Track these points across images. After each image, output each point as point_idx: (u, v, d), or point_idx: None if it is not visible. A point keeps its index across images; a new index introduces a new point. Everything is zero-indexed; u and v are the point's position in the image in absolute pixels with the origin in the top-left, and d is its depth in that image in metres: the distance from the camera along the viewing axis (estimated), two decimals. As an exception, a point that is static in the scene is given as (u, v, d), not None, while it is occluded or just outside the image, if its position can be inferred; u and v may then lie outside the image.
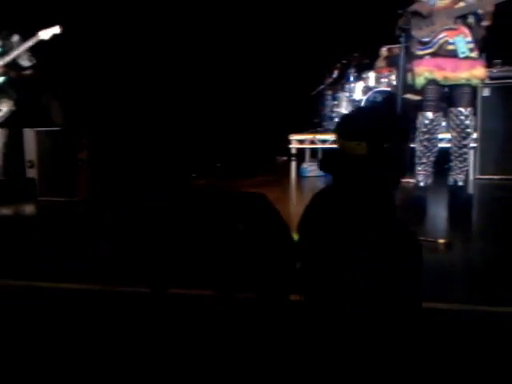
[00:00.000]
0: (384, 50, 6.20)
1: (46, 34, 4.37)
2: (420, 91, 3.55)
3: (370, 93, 6.12)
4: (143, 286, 2.38)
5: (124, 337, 2.03)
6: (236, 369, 1.77)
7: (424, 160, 3.56)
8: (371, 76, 6.23)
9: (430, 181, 3.68)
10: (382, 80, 6.19)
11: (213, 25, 6.65)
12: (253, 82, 6.61)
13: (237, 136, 6.65)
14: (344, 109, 6.35)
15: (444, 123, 3.75)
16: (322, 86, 6.52)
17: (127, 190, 4.61)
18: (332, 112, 6.42)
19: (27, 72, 4.51)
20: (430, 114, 3.44)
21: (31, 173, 5.01)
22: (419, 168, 3.62)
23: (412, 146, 3.68)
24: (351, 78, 6.35)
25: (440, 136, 3.67)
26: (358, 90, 6.27)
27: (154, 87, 6.52)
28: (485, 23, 3.44)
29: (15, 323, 2.17)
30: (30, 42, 4.36)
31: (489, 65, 5.40)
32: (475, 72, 3.41)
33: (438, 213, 3.94)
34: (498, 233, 3.39)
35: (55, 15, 4.89)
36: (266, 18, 6.52)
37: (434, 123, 3.46)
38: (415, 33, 3.43)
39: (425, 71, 3.42)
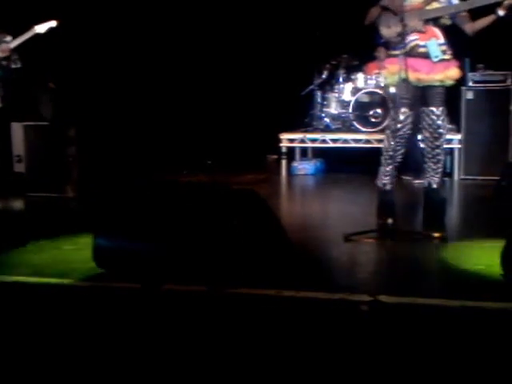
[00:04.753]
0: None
1: (41, 28, 4.36)
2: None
3: (358, 93, 6.20)
4: (136, 281, 2.40)
5: (118, 332, 2.04)
6: (231, 364, 1.79)
7: (390, 161, 3.44)
8: (360, 77, 6.31)
9: (393, 184, 3.54)
10: (370, 81, 6.27)
11: (205, 23, 6.66)
12: (244, 81, 6.64)
13: (228, 134, 6.66)
14: (333, 109, 6.42)
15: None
16: (312, 86, 6.58)
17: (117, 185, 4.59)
18: (321, 112, 6.49)
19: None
20: (403, 111, 3.34)
21: (19, 168, 4.96)
22: (387, 169, 3.48)
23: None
24: (340, 79, 6.43)
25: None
26: (347, 91, 6.36)
27: (146, 85, 6.50)
28: (468, 27, 3.38)
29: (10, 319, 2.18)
30: (27, 36, 4.34)
31: (472, 68, 5.53)
32: (449, 73, 3.36)
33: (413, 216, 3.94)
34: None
35: (44, 10, 4.87)
36: (257, 18, 6.56)
37: (408, 120, 3.37)
38: (383, 31, 3.34)
39: (398, 70, 3.30)
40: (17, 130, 5.01)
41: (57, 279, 2.60)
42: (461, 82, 5.39)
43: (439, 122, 3.35)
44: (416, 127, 3.53)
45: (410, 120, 3.38)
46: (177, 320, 2.13)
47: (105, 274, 2.57)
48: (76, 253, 3.05)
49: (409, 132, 3.44)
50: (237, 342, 1.94)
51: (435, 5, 3.32)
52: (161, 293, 2.37)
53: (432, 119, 3.35)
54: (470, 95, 5.54)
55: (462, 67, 3.48)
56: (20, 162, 4.98)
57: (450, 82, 3.39)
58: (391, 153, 3.42)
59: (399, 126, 3.37)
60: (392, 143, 3.41)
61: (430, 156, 3.43)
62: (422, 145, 3.66)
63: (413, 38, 3.31)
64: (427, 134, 3.40)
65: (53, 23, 4.39)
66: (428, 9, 3.29)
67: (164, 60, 6.61)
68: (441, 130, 3.37)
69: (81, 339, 1.99)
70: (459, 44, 3.53)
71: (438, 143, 3.38)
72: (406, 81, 3.29)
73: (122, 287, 2.45)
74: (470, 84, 5.55)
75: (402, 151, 3.46)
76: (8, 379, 1.74)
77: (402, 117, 3.35)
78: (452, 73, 3.38)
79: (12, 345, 1.97)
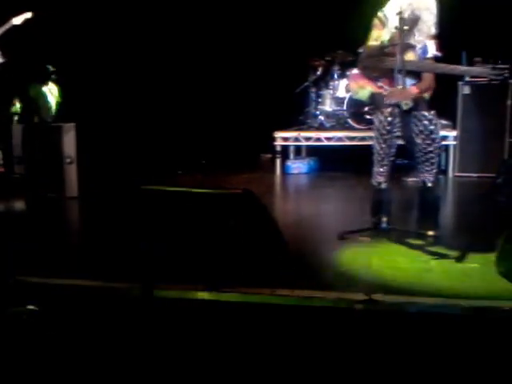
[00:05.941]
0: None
1: (18, 20, 4.45)
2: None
3: (353, 90, 6.21)
4: (135, 281, 2.42)
5: (118, 331, 2.07)
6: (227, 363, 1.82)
7: (383, 162, 3.46)
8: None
9: (388, 182, 3.54)
10: (365, 78, 6.27)
11: (200, 23, 6.66)
12: (238, 79, 6.64)
13: (222, 133, 6.68)
14: (328, 106, 6.42)
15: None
16: (306, 84, 6.58)
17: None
18: (316, 109, 6.49)
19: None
20: (389, 111, 3.34)
21: (19, 169, 4.98)
22: (380, 169, 3.49)
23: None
24: (335, 76, 6.42)
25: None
26: (342, 88, 6.34)
27: (141, 86, 6.52)
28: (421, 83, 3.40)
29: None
30: (4, 28, 4.42)
31: (469, 62, 5.54)
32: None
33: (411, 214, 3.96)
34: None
35: (43, 8, 4.89)
36: (250, 16, 6.55)
37: (396, 120, 3.36)
38: (360, 69, 3.50)
39: (367, 85, 3.41)
40: (16, 131, 5.03)
41: (58, 278, 2.63)
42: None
43: (432, 127, 3.32)
44: (406, 125, 3.55)
45: (397, 119, 3.37)
46: (174, 318, 2.15)
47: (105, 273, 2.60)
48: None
49: (398, 130, 3.43)
50: (232, 340, 1.97)
51: (410, 55, 3.31)
52: (159, 292, 2.40)
53: (424, 124, 3.32)
54: (466, 90, 5.50)
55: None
56: (20, 163, 5.00)
57: (426, 96, 3.40)
58: (383, 155, 3.44)
59: (388, 128, 3.37)
60: (383, 145, 3.41)
61: (423, 159, 3.41)
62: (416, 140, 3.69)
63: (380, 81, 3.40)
64: (419, 141, 3.36)
65: (28, 14, 4.48)
66: (407, 60, 3.26)
67: (159, 61, 6.62)
68: (433, 136, 3.34)
69: (81, 339, 2.01)
70: (456, 37, 3.55)
71: (431, 148, 3.35)
72: (376, 94, 3.38)
73: (121, 287, 2.48)
74: (467, 79, 5.48)
75: (394, 150, 3.47)
76: (7, 379, 1.77)
77: (389, 118, 3.36)
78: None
79: (11, 344, 1.99)
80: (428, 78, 3.36)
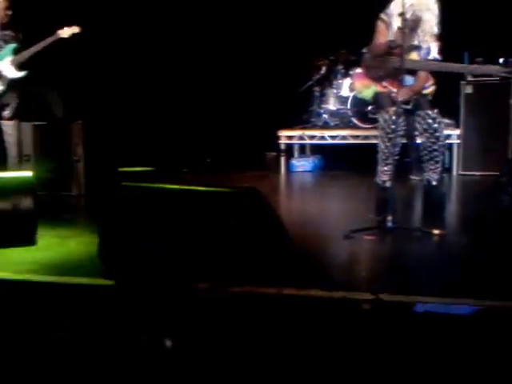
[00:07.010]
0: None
1: (65, 33, 4.46)
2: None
3: (357, 89, 6.23)
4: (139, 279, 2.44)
5: (124, 329, 2.09)
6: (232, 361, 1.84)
7: (388, 161, 3.47)
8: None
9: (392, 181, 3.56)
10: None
11: (204, 22, 6.68)
12: (242, 78, 6.67)
13: (227, 132, 6.70)
14: (331, 105, 6.45)
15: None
16: (310, 83, 6.60)
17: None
18: (320, 108, 6.52)
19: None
20: (394, 110, 3.35)
21: (28, 166, 5.01)
22: (385, 168, 3.51)
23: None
24: (338, 75, 6.45)
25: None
26: (346, 87, 6.37)
27: (147, 84, 6.54)
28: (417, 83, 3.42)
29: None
30: (50, 40, 4.45)
31: (471, 62, 5.57)
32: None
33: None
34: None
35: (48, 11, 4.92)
36: (255, 16, 6.57)
37: (400, 119, 3.37)
38: (364, 69, 3.54)
39: (372, 84, 3.46)
40: (26, 129, 5.06)
41: (62, 277, 2.65)
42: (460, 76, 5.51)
43: (435, 126, 3.34)
44: (410, 124, 3.56)
45: (401, 118, 3.38)
46: (179, 317, 2.17)
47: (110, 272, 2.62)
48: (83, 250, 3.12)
49: (403, 129, 3.45)
50: (238, 341, 1.98)
51: (413, 55, 3.34)
52: (164, 290, 2.42)
53: (428, 123, 3.35)
54: (468, 89, 5.56)
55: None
56: (29, 160, 5.04)
57: (427, 91, 3.43)
58: (388, 154, 3.45)
59: (393, 126, 3.38)
60: (388, 144, 3.43)
61: (427, 158, 3.43)
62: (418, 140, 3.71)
63: (384, 84, 3.44)
64: (424, 139, 3.40)
65: (76, 29, 4.49)
66: (409, 59, 3.28)
67: (164, 59, 6.64)
68: (437, 134, 3.36)
69: (85, 338, 2.03)
70: (458, 37, 3.56)
71: (435, 147, 3.38)
72: (381, 93, 3.42)
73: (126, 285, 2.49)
74: (469, 78, 5.53)
75: (398, 149, 3.48)
76: (8, 378, 1.79)
77: (394, 117, 3.37)
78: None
79: (13, 344, 2.02)
80: (422, 80, 3.39)
